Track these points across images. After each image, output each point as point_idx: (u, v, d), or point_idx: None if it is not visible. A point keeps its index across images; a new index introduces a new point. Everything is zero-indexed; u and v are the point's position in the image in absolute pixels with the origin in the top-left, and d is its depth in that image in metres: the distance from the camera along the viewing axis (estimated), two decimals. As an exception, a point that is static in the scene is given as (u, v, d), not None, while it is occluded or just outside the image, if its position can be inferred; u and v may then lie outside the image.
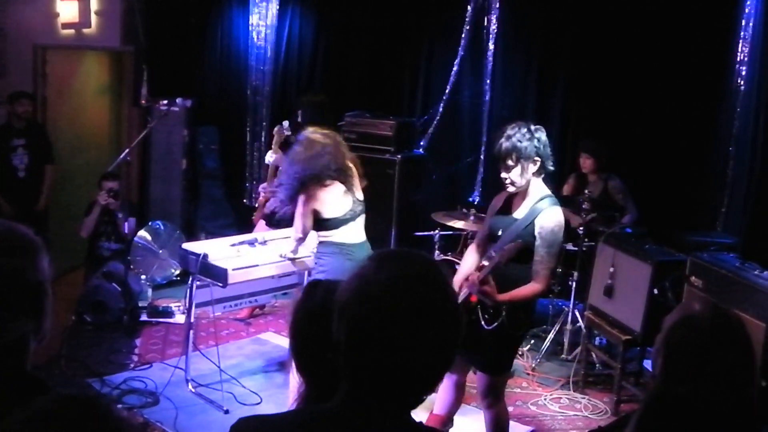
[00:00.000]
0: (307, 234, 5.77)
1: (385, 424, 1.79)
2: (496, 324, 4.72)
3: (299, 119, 7.51)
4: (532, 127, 4.75)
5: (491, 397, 5.02)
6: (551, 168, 4.82)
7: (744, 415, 2.36)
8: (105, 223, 8.18)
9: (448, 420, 5.25)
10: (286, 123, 7.67)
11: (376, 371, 1.76)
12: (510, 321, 4.72)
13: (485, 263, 4.80)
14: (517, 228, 4.76)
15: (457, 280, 4.99)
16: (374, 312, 1.74)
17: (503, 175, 4.79)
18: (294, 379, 5.65)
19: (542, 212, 4.69)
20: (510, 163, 4.71)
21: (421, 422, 1.85)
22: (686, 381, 2.35)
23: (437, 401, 5.28)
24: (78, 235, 8.20)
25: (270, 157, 7.67)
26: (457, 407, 5.33)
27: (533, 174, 4.75)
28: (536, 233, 4.69)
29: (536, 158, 4.70)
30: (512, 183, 4.77)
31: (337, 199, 5.62)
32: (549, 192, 4.84)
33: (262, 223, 7.71)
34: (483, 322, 4.76)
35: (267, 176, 7.74)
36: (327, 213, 5.59)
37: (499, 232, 4.86)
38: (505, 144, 4.69)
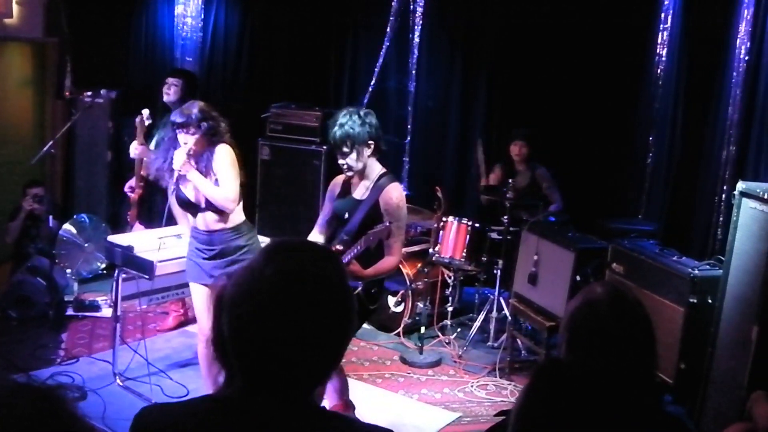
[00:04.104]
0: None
1: (285, 412, 1.79)
2: None
3: (167, 98, 7.26)
4: (362, 113, 5.01)
5: None
6: (385, 148, 5.12)
7: (644, 390, 2.47)
8: (30, 226, 8.09)
9: (347, 405, 5.23)
10: (146, 111, 6.91)
11: (264, 363, 1.75)
12: (366, 296, 4.96)
13: (339, 246, 4.94)
14: (363, 209, 4.99)
15: None
16: (259, 307, 1.73)
17: (340, 161, 5.03)
18: (204, 365, 5.66)
19: (384, 191, 4.96)
20: (345, 149, 4.95)
21: (323, 407, 1.87)
22: (587, 360, 2.45)
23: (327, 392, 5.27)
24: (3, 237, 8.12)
25: (135, 151, 6.98)
26: (347, 386, 5.30)
27: (369, 156, 5.00)
28: (383, 211, 4.93)
29: (370, 142, 4.95)
30: (349, 168, 5.01)
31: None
32: (385, 170, 5.11)
33: (138, 223, 7.36)
34: None
35: (135, 172, 7.22)
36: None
37: (346, 215, 5.07)
38: (338, 132, 4.94)
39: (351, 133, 4.89)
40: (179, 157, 5.20)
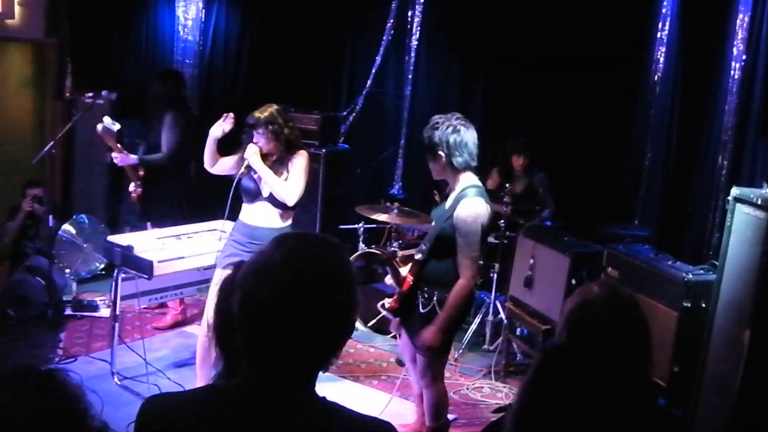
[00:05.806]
0: None
1: (287, 399, 1.85)
2: (429, 308, 4.87)
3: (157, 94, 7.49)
4: (440, 119, 4.84)
5: (427, 378, 5.12)
6: (460, 163, 4.81)
7: (639, 387, 2.51)
8: (29, 226, 8.13)
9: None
10: (107, 119, 7.06)
11: (268, 343, 1.83)
12: (441, 306, 4.83)
13: (417, 256, 4.95)
14: (441, 219, 4.86)
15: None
16: (266, 284, 1.83)
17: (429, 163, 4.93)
18: (200, 352, 5.72)
19: (459, 203, 4.75)
20: (427, 152, 4.87)
21: (324, 396, 1.92)
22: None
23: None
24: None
25: (117, 160, 7.13)
26: None
27: (444, 166, 4.83)
28: (453, 224, 4.75)
29: (440, 153, 4.77)
30: (432, 172, 4.96)
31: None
32: (476, 182, 4.86)
33: (149, 225, 7.41)
34: (420, 306, 4.92)
35: (130, 177, 7.40)
36: None
37: (433, 223, 5.01)
38: (423, 133, 4.86)
39: (426, 138, 4.82)
40: (251, 149, 5.54)
